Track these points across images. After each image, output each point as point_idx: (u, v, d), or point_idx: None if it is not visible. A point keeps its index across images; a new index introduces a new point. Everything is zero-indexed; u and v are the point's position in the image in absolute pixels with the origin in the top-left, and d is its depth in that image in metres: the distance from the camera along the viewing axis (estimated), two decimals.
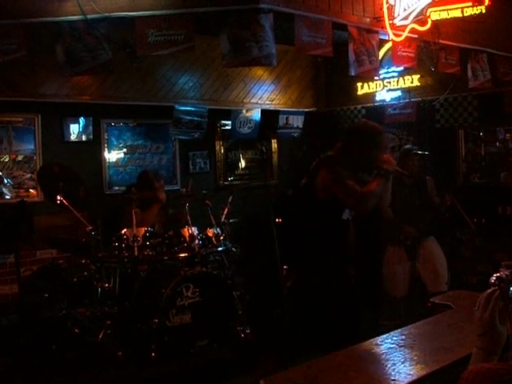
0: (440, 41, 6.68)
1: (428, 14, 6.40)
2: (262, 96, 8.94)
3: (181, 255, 6.13)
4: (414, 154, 6.29)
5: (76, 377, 5.24)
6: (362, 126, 4.79)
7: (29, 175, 7.25)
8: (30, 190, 7.16)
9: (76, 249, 6.38)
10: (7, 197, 7.10)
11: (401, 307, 6.27)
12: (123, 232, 6.06)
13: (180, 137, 8.29)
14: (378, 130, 4.62)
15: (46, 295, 6.13)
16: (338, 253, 4.50)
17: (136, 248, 5.94)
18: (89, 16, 5.03)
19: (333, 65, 8.91)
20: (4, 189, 7.07)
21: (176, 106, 8.00)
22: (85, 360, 5.52)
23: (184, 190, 6.69)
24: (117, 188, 7.85)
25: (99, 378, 5.20)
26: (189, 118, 8.10)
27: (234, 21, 5.39)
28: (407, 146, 6.77)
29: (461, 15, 6.32)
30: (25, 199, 6.67)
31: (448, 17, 6.39)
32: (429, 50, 6.81)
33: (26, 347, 5.75)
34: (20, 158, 7.25)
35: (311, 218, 4.46)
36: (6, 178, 7.10)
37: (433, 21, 6.44)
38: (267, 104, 9.02)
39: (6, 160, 7.15)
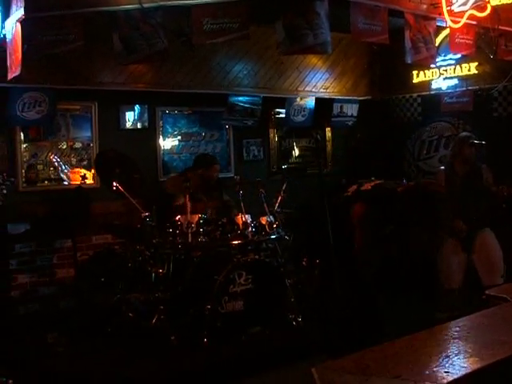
0: (500, 27, 6.51)
1: None
2: (317, 84, 8.89)
3: (234, 242, 6.16)
4: (471, 144, 6.18)
5: (129, 360, 5.33)
6: None
7: (86, 162, 7.39)
8: (87, 177, 7.29)
9: (131, 235, 6.48)
10: (65, 183, 7.25)
11: (456, 299, 6.18)
12: (177, 218, 6.13)
13: (233, 124, 8.32)
14: None
15: (102, 279, 6.26)
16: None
17: (190, 234, 6.00)
18: (145, 5, 5.07)
19: (388, 52, 8.79)
20: (62, 175, 7.23)
21: (230, 94, 8.03)
22: (138, 344, 5.62)
23: (238, 177, 6.73)
24: (171, 175, 7.93)
25: (152, 362, 5.29)
26: (243, 105, 8.12)
27: (289, 8, 5.37)
28: (463, 134, 6.65)
29: None
30: (82, 185, 6.81)
31: (509, 2, 6.25)
32: (488, 36, 6.65)
33: (83, 329, 5.89)
34: (77, 145, 7.39)
35: None
36: (64, 165, 7.25)
37: (492, 6, 6.28)
38: (321, 92, 8.97)
39: (64, 147, 7.30)
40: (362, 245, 7.58)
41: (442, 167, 6.68)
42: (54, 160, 7.18)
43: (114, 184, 6.19)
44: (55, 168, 7.20)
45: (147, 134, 7.89)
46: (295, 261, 6.74)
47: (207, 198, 6.83)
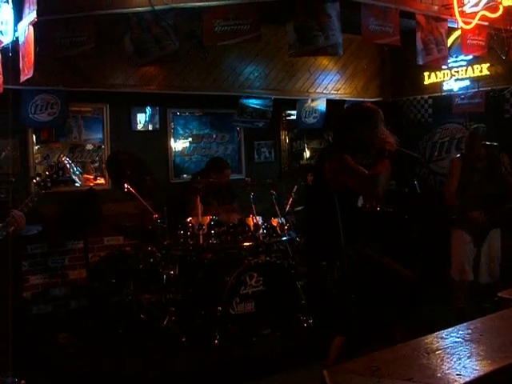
0: None
1: None
2: (328, 86, 8.87)
3: (245, 244, 6.18)
4: (483, 145, 6.13)
5: (140, 361, 5.35)
6: (353, 109, 4.69)
7: (97, 163, 7.42)
8: (99, 178, 7.32)
9: (142, 236, 6.51)
10: (77, 184, 7.25)
11: (467, 292, 6.14)
12: (188, 220, 6.15)
13: (244, 126, 8.33)
14: (369, 110, 4.43)
15: (113, 281, 6.28)
16: (356, 240, 4.34)
17: (201, 236, 6.03)
18: (156, 7, 5.09)
19: (399, 54, 8.76)
20: (74, 177, 7.25)
21: (241, 96, 8.03)
22: (150, 345, 5.64)
23: (249, 179, 6.74)
24: (184, 176, 7.96)
25: (163, 363, 5.30)
26: (254, 107, 8.12)
27: (300, 10, 5.37)
28: (475, 126, 6.55)
29: None
30: (93, 187, 6.83)
31: None
32: (500, 37, 6.61)
33: (95, 330, 5.91)
34: (89, 146, 7.42)
35: (327, 212, 4.20)
36: (76, 167, 7.27)
37: (505, 7, 6.25)
38: (332, 94, 8.94)
39: (76, 149, 7.32)
40: None
41: (459, 155, 6.61)
42: (66, 162, 7.20)
43: (126, 186, 6.22)
44: (67, 169, 7.22)
45: (158, 136, 7.91)
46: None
47: (218, 202, 6.86)
